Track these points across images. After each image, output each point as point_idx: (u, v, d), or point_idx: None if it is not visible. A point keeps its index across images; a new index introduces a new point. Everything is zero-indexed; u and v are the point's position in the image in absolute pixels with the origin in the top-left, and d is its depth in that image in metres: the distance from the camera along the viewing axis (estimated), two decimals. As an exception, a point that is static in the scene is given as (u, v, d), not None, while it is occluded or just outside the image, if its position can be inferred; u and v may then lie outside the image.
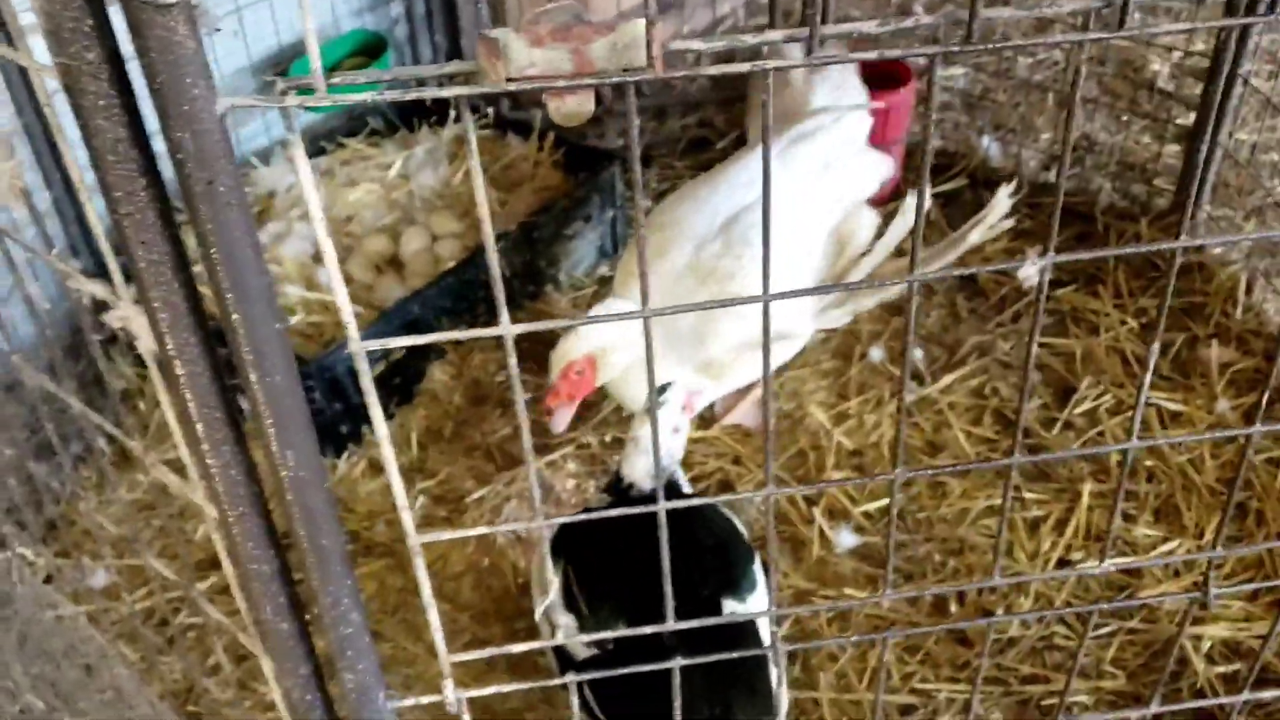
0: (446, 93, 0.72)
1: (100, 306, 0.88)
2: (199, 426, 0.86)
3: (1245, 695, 1.36)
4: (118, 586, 2.19)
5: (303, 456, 0.87)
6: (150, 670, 2.08)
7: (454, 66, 0.73)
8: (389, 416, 2.61)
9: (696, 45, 0.73)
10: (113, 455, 2.46)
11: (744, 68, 0.73)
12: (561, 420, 2.30)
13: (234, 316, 0.79)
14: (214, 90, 0.70)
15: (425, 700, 1.05)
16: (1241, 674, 2.11)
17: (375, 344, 0.84)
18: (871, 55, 0.71)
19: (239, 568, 0.96)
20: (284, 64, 2.96)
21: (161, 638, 2.18)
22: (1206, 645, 2.16)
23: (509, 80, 0.71)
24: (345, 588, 0.96)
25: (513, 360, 0.87)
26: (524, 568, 2.30)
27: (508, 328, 0.85)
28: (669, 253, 2.40)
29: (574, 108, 0.75)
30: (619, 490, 1.92)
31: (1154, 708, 1.29)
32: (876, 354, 2.75)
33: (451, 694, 1.03)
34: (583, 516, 1.10)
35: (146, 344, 0.84)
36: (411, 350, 2.59)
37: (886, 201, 2.86)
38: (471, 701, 1.06)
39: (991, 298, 2.87)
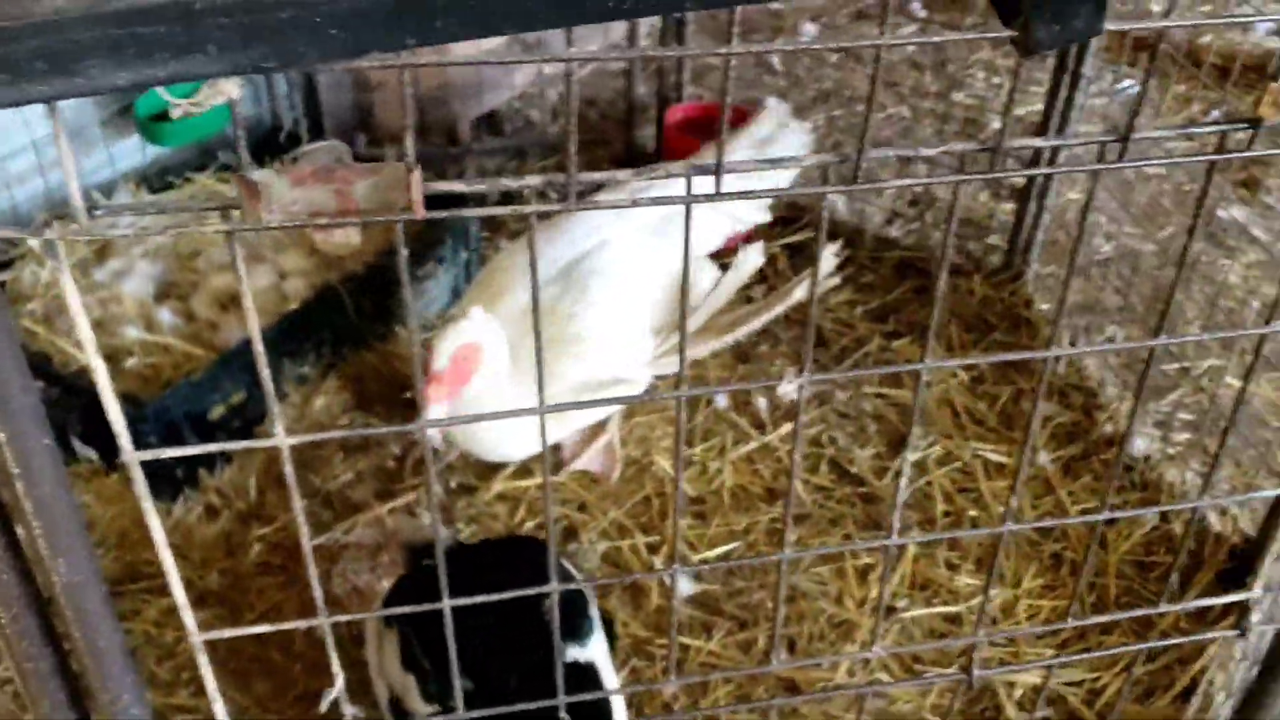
0: (209, 229, 0.73)
1: None
2: (-34, 534, 0.86)
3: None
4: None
5: (76, 562, 0.88)
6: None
7: (218, 200, 0.75)
8: (228, 461, 2.57)
9: (459, 187, 0.76)
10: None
11: (504, 210, 0.77)
12: (438, 411, 2.07)
13: (-2, 434, 0.79)
14: (-30, 221, 0.71)
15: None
16: (1050, 720, 2.22)
17: (149, 454, 0.85)
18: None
19: (16, 665, 0.96)
20: (130, 95, 2.91)
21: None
22: (1019, 693, 2.26)
23: (269, 216, 0.73)
24: (125, 685, 0.97)
25: (289, 469, 0.89)
26: (358, 620, 2.30)
27: (283, 439, 0.87)
28: (514, 289, 2.42)
29: (341, 240, 0.77)
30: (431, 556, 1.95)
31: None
32: (722, 401, 2.82)
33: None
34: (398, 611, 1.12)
35: (-88, 451, 0.84)
36: (254, 392, 2.56)
37: (732, 252, 2.93)
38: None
39: (832, 348, 2.96)
